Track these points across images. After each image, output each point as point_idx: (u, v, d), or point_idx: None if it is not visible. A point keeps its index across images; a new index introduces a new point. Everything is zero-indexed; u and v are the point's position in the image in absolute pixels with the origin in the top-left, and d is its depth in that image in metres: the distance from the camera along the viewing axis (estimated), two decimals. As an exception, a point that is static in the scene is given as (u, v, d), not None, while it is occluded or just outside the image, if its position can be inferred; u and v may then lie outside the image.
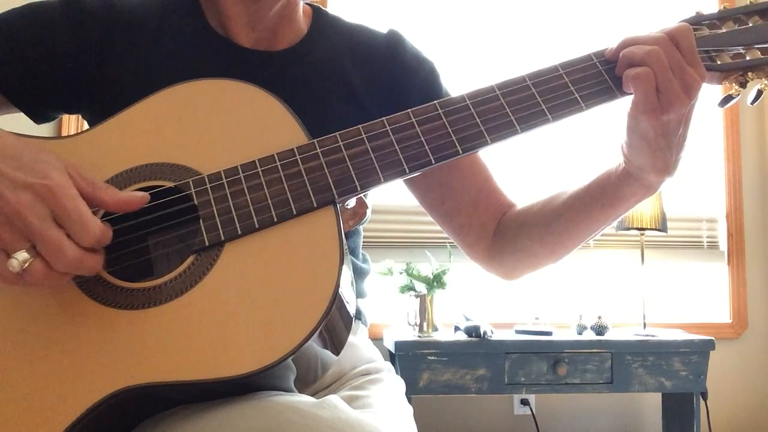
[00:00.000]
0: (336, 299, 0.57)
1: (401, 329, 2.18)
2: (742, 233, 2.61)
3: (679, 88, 0.65)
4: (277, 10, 0.79)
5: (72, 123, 2.06)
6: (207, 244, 0.60)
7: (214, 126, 0.67)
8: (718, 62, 0.71)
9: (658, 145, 0.67)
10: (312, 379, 0.66)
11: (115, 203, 0.59)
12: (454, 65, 2.46)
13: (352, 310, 0.64)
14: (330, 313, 0.57)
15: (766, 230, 2.64)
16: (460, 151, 0.66)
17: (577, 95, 0.68)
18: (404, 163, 0.65)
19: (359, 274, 0.88)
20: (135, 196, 0.60)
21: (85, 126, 0.79)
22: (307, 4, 0.89)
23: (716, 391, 2.37)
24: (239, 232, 0.61)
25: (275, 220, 0.61)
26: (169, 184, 0.64)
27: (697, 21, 0.73)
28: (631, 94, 0.67)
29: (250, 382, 0.56)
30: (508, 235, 0.85)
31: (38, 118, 0.81)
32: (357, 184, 0.64)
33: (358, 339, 0.83)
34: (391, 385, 0.78)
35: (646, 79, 0.64)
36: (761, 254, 2.62)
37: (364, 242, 0.93)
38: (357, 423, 0.55)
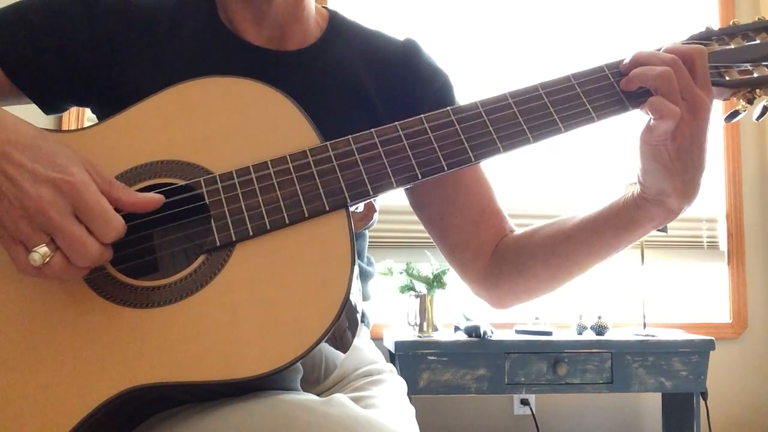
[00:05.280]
0: (346, 304, 0.57)
1: (401, 329, 2.18)
2: (742, 233, 2.61)
3: (686, 112, 0.65)
4: (282, 7, 0.79)
5: (72, 117, 2.06)
6: (218, 244, 0.60)
7: (226, 124, 0.67)
8: (727, 78, 0.71)
9: (675, 168, 0.67)
10: (315, 379, 0.66)
11: (132, 203, 0.59)
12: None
13: (358, 313, 0.64)
14: (342, 315, 0.57)
15: (766, 230, 2.64)
16: (473, 158, 0.66)
17: (589, 106, 0.68)
18: (416, 168, 0.65)
19: (364, 276, 0.87)
20: (152, 198, 0.60)
21: (86, 121, 0.79)
22: (324, 7, 0.88)
23: (716, 391, 2.37)
24: (250, 233, 0.61)
25: (287, 221, 0.61)
26: (180, 182, 0.64)
27: (706, 36, 0.73)
28: (640, 108, 0.68)
29: (259, 384, 0.56)
30: (508, 257, 0.82)
31: (47, 108, 0.81)
32: (369, 188, 0.64)
33: (360, 341, 0.82)
34: (393, 386, 0.78)
35: (661, 105, 0.64)
36: (761, 254, 2.62)
37: (365, 242, 0.93)
38: (365, 420, 0.55)
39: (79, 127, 2.05)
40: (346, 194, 0.63)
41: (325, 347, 0.61)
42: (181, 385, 0.55)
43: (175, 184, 0.64)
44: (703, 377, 2.09)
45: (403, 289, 2.15)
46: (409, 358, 1.97)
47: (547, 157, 2.51)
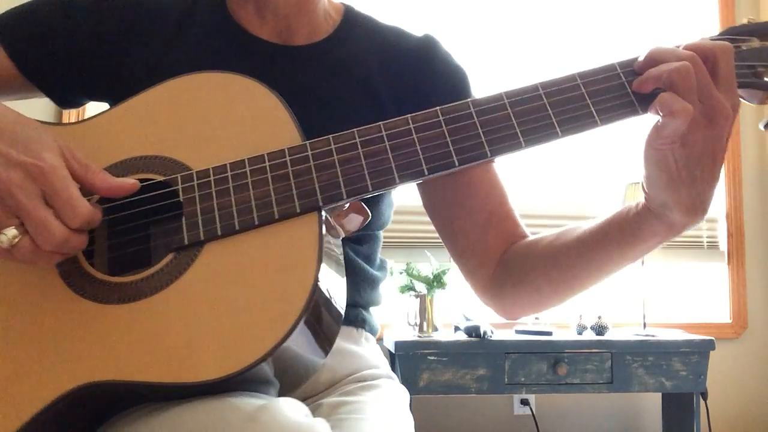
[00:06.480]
0: (309, 310, 0.55)
1: (401, 329, 2.18)
2: (742, 233, 2.61)
3: (700, 116, 0.57)
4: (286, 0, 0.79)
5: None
6: (186, 242, 0.59)
7: (210, 121, 0.66)
8: (766, 79, 0.62)
9: (680, 178, 0.59)
10: (296, 384, 0.64)
11: (107, 188, 0.59)
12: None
13: (337, 318, 0.62)
14: (300, 324, 0.54)
15: (766, 230, 2.64)
16: (456, 163, 0.61)
17: (592, 109, 0.61)
18: (395, 172, 0.61)
19: (371, 282, 0.84)
20: (126, 182, 0.60)
21: (87, 115, 0.79)
22: (341, 3, 0.87)
23: (716, 391, 2.37)
24: (219, 233, 0.59)
25: (256, 222, 0.59)
26: (159, 178, 0.63)
27: (748, 31, 0.65)
28: (649, 110, 0.60)
29: (216, 389, 0.54)
30: (511, 266, 0.78)
31: (63, 103, 0.82)
32: (343, 190, 0.60)
33: (362, 348, 0.80)
34: (389, 394, 0.76)
35: (671, 100, 0.57)
36: (761, 254, 2.62)
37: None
38: (295, 428, 0.52)
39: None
40: (319, 196, 0.60)
41: (300, 353, 0.59)
42: (135, 384, 0.54)
43: (155, 179, 0.63)
44: (703, 377, 2.08)
45: (403, 289, 2.15)
46: (409, 358, 1.97)
47: (549, 154, 2.51)
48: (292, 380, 0.62)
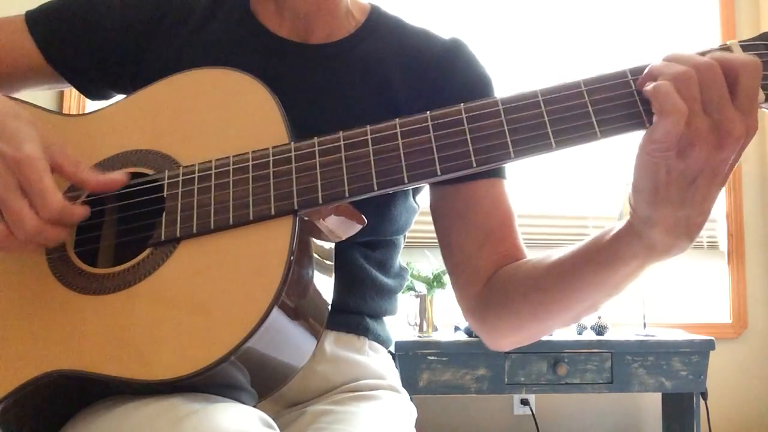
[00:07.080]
0: (272, 314, 0.53)
1: (401, 329, 2.18)
2: (742, 233, 2.61)
3: (706, 131, 0.50)
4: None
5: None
6: (162, 239, 0.59)
7: (205, 117, 0.66)
8: None
9: (668, 195, 0.53)
10: (269, 388, 0.62)
11: (96, 183, 0.61)
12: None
13: (316, 322, 0.61)
14: (261, 329, 0.52)
15: (766, 230, 2.64)
16: (439, 173, 0.57)
17: (594, 119, 0.55)
18: (374, 178, 0.58)
19: (381, 290, 0.82)
20: (114, 178, 0.62)
21: (88, 107, 0.81)
22: (368, 3, 0.87)
23: (716, 391, 2.37)
24: (194, 231, 0.59)
25: (231, 223, 0.58)
26: (150, 173, 0.64)
27: None
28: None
29: (176, 389, 0.53)
30: (495, 287, 0.74)
31: (89, 94, 0.84)
32: (319, 195, 0.58)
33: (365, 357, 0.78)
34: (387, 407, 0.74)
35: (666, 96, 0.50)
36: (761, 254, 2.62)
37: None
38: None
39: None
40: (295, 200, 0.58)
41: (271, 358, 0.57)
42: (98, 376, 0.54)
43: (146, 174, 0.64)
44: (703, 377, 2.08)
45: (403, 289, 2.14)
46: (409, 358, 1.98)
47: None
48: (263, 384, 0.60)
